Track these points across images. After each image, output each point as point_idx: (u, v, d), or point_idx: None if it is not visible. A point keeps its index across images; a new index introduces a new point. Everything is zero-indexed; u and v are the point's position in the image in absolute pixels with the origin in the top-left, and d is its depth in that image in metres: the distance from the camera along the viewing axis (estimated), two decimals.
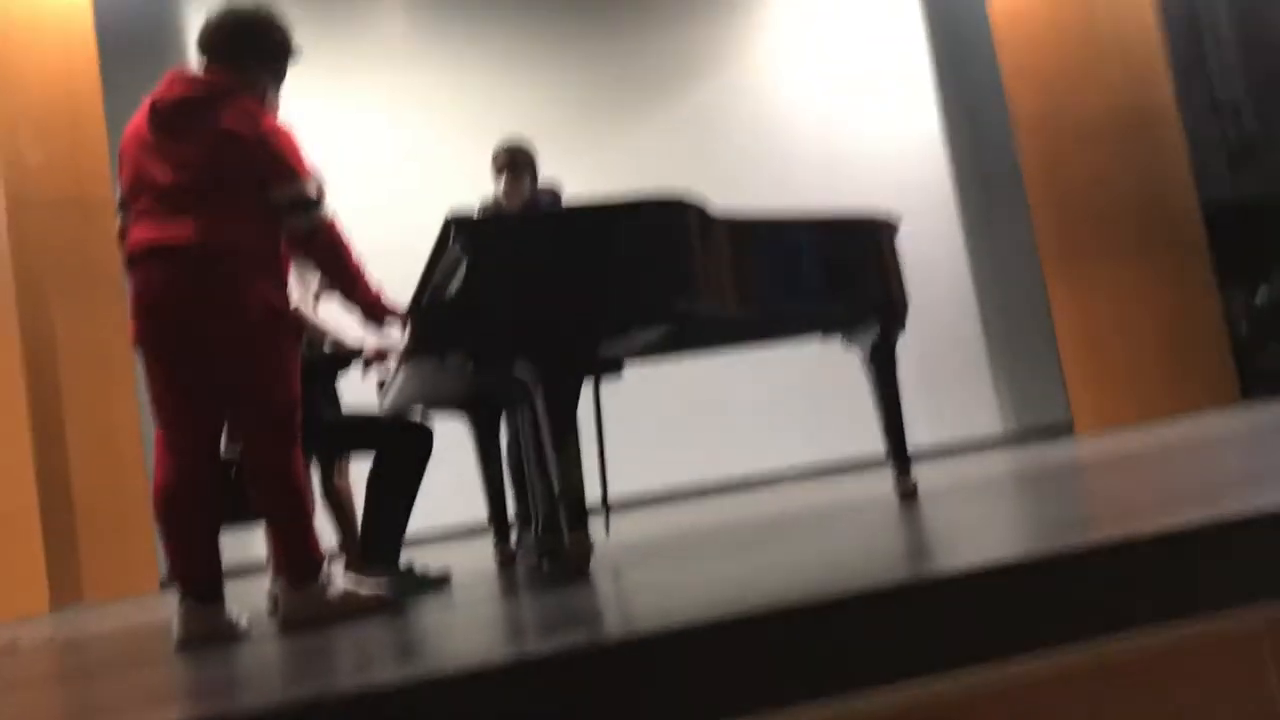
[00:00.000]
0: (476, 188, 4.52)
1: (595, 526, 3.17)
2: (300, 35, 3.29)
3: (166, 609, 4.65)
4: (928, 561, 2.39)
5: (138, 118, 3.08)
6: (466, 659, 1.88)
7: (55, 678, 3.03)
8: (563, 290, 3.03)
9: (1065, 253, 8.67)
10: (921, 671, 1.81)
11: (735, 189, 5.92)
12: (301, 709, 1.70)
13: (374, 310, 3.19)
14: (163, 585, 7.11)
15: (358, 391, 4.16)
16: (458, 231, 3.02)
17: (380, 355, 3.63)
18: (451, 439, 4.41)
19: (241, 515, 3.25)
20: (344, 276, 3.13)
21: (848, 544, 2.96)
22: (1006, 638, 1.87)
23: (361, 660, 2.26)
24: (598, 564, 3.17)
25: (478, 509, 4.63)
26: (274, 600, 3.47)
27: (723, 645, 1.81)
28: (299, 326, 3.15)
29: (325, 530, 3.19)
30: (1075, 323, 8.61)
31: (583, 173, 5.57)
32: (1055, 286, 8.66)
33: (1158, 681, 1.88)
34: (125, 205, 3.06)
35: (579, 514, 3.11)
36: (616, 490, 3.69)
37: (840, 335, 4.36)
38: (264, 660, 2.47)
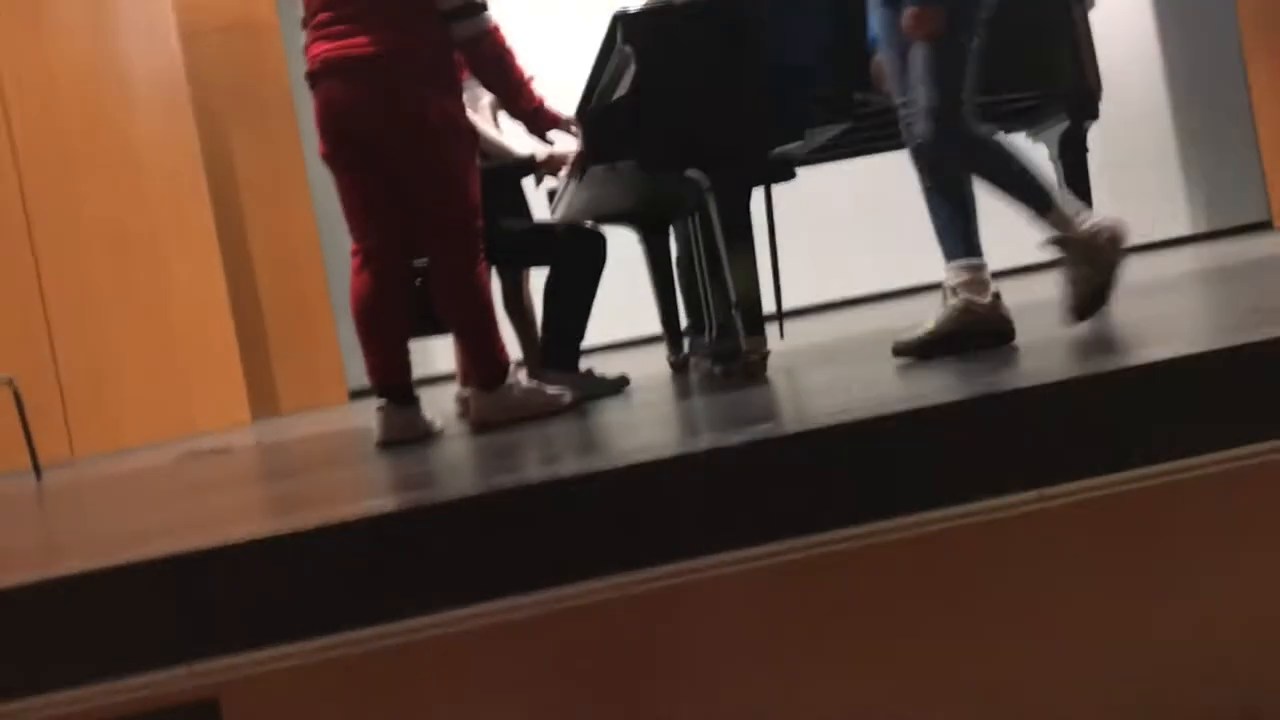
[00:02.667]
0: None
1: (770, 331, 3.16)
2: None
3: (359, 417, 4.92)
4: (1115, 354, 2.31)
5: None
6: (652, 451, 1.93)
7: (269, 475, 3.26)
8: (736, 86, 2.93)
9: (1270, 26, 7.86)
10: (1108, 466, 1.76)
11: None
12: (501, 497, 1.78)
13: (539, 119, 3.17)
14: (352, 396, 7.51)
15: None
16: (625, 29, 2.93)
17: (551, 165, 3.63)
18: (621, 252, 4.42)
19: (429, 326, 3.37)
20: (508, 84, 3.12)
21: (1027, 339, 2.87)
22: (1202, 430, 1.79)
23: (549, 454, 2.34)
24: (773, 367, 3.17)
25: (649, 321, 4.67)
26: (463, 404, 3.62)
27: (902, 439, 1.80)
28: (474, 136, 3.17)
29: (509, 340, 3.28)
30: (1278, 107, 7.90)
31: None
32: (1256, 64, 7.88)
33: None
34: (306, 23, 3.10)
35: (754, 318, 3.10)
36: (792, 299, 3.65)
37: (1025, 128, 4.12)
38: (460, 456, 2.59)
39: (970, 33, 2.67)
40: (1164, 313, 3.12)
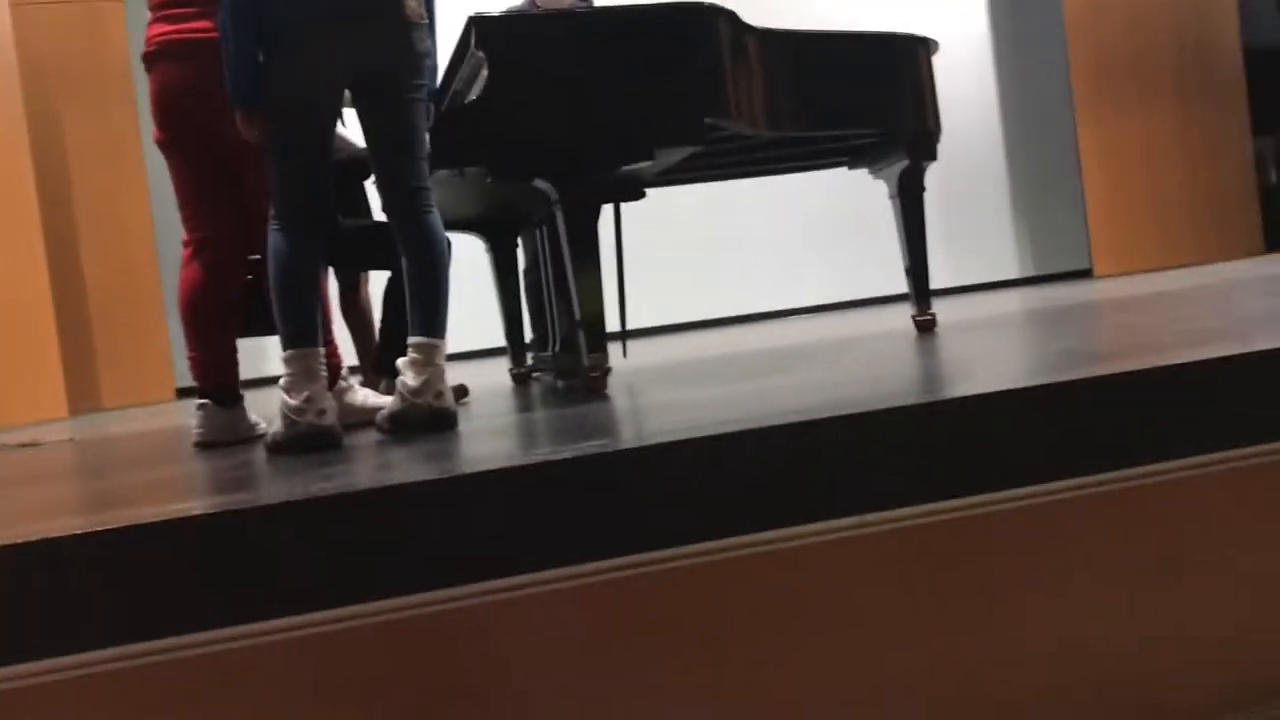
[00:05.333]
0: None
1: (613, 349, 3.16)
2: None
3: (183, 415, 4.71)
4: (934, 387, 2.38)
5: None
6: (484, 463, 1.89)
7: (77, 472, 3.08)
8: (586, 100, 2.93)
9: (1099, 90, 8.33)
10: (918, 497, 1.81)
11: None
12: (321, 504, 1.72)
13: None
14: (179, 393, 7.20)
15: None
16: (480, 33, 2.90)
17: None
18: (468, 262, 4.36)
19: (259, 325, 3.24)
20: None
21: (858, 370, 2.94)
22: (1015, 465, 1.86)
23: (377, 462, 2.27)
24: (614, 384, 3.17)
25: (493, 332, 4.62)
26: None
27: (737, 458, 1.81)
28: None
29: (344, 344, 3.19)
30: (1102, 164, 8.36)
31: None
32: (1085, 124, 8.36)
33: (1158, 517, 1.87)
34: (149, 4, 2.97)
35: (597, 335, 3.09)
36: (637, 319, 3.66)
37: (868, 165, 4.25)
38: (283, 460, 2.49)
39: (291, 143, 2.57)
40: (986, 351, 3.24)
